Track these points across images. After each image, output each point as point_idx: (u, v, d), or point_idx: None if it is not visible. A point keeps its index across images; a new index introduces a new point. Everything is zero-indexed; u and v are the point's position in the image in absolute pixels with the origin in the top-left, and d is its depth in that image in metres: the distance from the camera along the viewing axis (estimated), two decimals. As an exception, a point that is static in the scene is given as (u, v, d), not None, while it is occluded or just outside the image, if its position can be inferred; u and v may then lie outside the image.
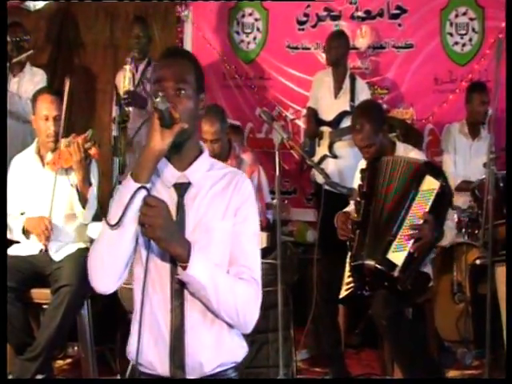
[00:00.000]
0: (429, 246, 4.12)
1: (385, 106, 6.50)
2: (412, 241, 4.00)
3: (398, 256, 4.00)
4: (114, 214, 2.18)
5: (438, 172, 4.19)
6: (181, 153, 2.33)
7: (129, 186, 2.18)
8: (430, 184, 4.08)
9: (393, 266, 3.99)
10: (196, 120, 2.37)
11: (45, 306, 4.29)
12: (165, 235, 2.15)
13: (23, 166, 4.54)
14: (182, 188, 2.33)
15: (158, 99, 2.15)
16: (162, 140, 2.17)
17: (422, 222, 4.01)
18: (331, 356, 4.53)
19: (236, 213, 2.34)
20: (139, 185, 2.17)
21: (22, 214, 4.48)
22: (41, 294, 4.30)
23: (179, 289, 2.26)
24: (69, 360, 4.87)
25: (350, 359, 4.88)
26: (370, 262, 4.07)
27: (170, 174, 2.34)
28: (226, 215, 2.33)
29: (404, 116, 6.34)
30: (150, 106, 2.06)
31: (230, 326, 2.32)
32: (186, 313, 2.27)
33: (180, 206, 2.31)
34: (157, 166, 2.26)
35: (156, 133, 2.17)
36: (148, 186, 2.19)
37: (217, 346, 2.31)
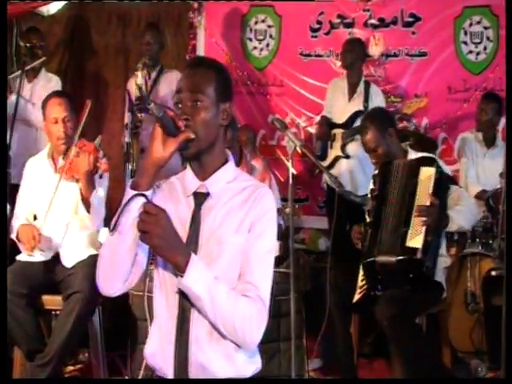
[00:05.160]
0: (438, 227, 4.21)
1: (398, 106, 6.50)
2: (423, 225, 4.11)
3: (415, 241, 4.12)
4: (113, 221, 2.20)
5: (430, 161, 4.33)
6: (202, 162, 2.33)
7: (127, 193, 2.19)
8: (427, 172, 4.24)
9: (414, 250, 4.10)
10: (217, 130, 2.33)
11: (56, 313, 4.30)
12: (162, 243, 2.12)
13: (36, 169, 4.54)
14: (200, 198, 2.32)
15: (151, 105, 2.16)
16: (164, 148, 2.17)
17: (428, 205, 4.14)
18: (344, 365, 4.50)
19: (251, 228, 2.28)
20: (135, 192, 2.17)
21: (34, 217, 4.50)
22: (52, 301, 4.29)
23: (187, 298, 2.23)
24: (79, 366, 4.84)
25: (362, 368, 4.84)
26: (383, 259, 4.20)
27: (190, 182, 2.34)
28: (240, 229, 2.28)
29: (419, 105, 6.26)
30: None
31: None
32: (192, 323, 2.24)
33: (196, 216, 2.30)
34: (186, 173, 2.32)
35: (156, 141, 2.18)
36: (148, 193, 2.18)
37: (224, 361, 2.27)
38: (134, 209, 2.16)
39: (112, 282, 2.29)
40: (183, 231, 2.25)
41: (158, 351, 2.30)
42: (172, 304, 2.27)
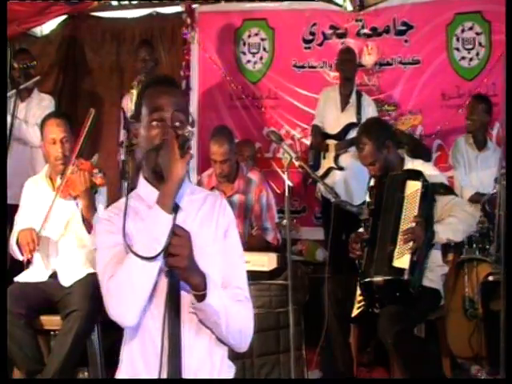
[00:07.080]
0: (424, 247, 4.17)
1: (392, 122, 6.50)
2: (409, 244, 4.07)
3: (402, 261, 4.08)
4: (146, 246, 2.13)
5: (416, 174, 4.28)
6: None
7: (161, 217, 2.14)
8: (413, 187, 4.22)
9: (401, 271, 4.06)
10: None
11: (55, 333, 4.29)
12: (189, 264, 2.14)
13: (34, 189, 4.56)
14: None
15: (192, 129, 2.17)
16: (181, 169, 2.15)
17: (414, 224, 4.11)
18: (343, 375, 4.49)
19: (225, 235, 2.37)
20: (172, 216, 2.14)
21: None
22: (51, 321, 4.29)
23: (174, 314, 2.23)
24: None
25: (361, 378, 4.83)
26: (379, 279, 4.12)
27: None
28: (216, 238, 2.35)
29: (413, 122, 6.29)
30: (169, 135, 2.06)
31: (219, 352, 2.34)
32: (184, 333, 2.25)
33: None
34: (141, 191, 2.36)
35: (177, 161, 2.13)
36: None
37: (210, 369, 2.30)
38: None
39: (138, 310, 2.22)
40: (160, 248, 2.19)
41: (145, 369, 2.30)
42: (158, 319, 2.23)
